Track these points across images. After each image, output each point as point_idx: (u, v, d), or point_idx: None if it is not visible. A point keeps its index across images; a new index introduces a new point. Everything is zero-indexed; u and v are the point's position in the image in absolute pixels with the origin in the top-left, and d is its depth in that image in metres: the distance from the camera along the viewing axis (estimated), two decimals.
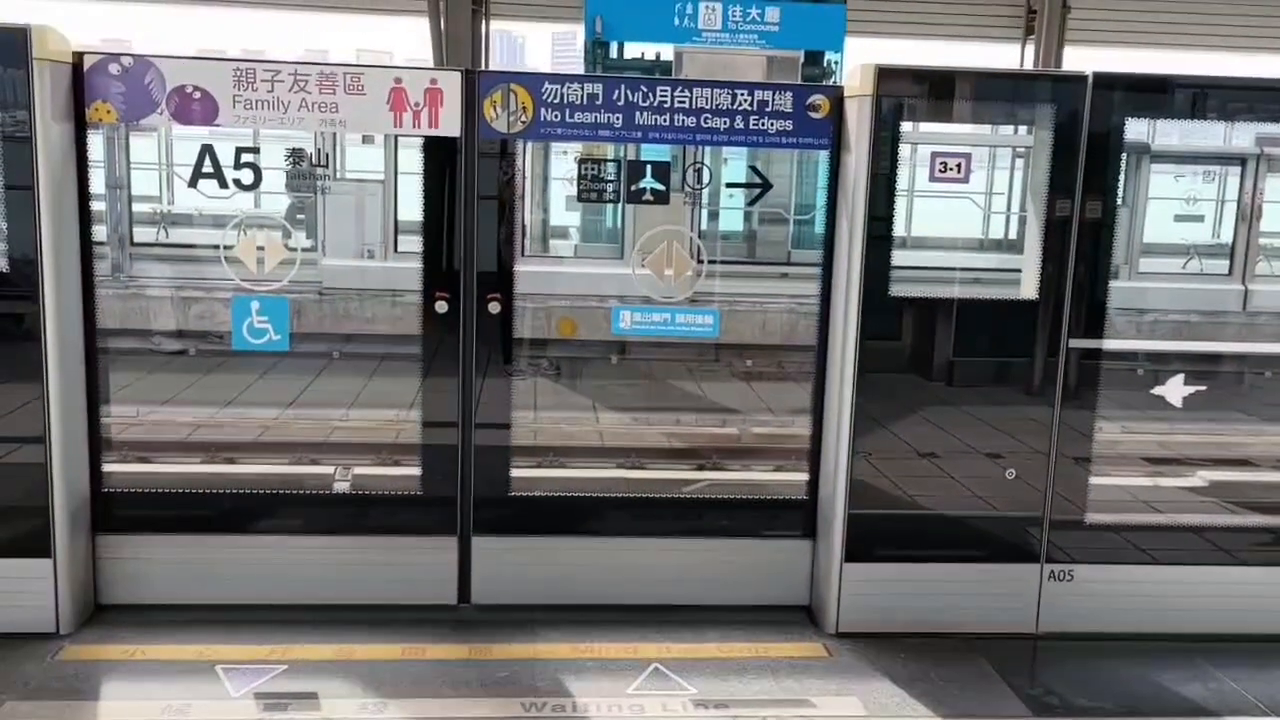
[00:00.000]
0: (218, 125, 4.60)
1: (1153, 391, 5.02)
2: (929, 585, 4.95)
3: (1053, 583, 5.01)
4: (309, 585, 4.95)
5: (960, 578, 4.97)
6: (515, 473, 5.12)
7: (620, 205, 10.65)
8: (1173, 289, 13.12)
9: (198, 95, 4.56)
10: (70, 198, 4.57)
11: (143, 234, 13.58)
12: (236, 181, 4.74)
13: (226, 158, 4.72)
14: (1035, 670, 4.79)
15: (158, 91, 4.54)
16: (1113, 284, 4.90)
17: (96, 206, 4.75)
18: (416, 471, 5.10)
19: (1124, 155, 4.81)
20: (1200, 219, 14.84)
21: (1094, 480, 5.03)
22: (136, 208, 13.47)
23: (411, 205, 4.98)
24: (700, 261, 5.30)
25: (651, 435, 8.31)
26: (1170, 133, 13.66)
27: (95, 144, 4.65)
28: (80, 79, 4.52)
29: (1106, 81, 4.70)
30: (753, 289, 12.14)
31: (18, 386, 4.51)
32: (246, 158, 4.74)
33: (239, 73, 4.56)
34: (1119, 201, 4.88)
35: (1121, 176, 4.87)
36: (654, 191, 4.94)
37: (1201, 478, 6.25)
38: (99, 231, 4.84)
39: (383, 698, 4.24)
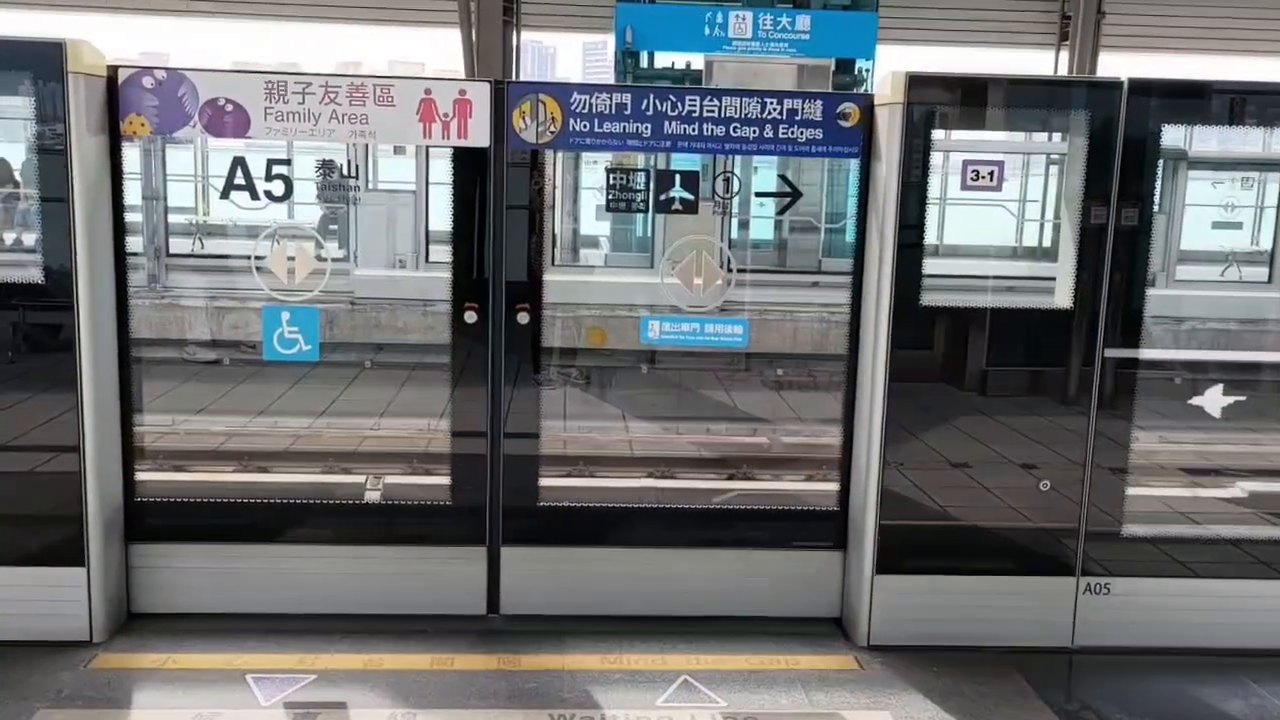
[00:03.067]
0: (250, 137, 4.63)
1: (1191, 401, 4.94)
2: (962, 598, 4.89)
3: (1089, 596, 4.93)
4: (338, 595, 4.97)
5: (994, 590, 4.91)
6: (544, 482, 5.12)
7: (649, 215, 10.63)
8: (1211, 297, 12.94)
9: (230, 108, 4.60)
10: (104, 209, 4.62)
11: (178, 245, 13.73)
12: (268, 193, 4.77)
13: (259, 170, 4.75)
14: (1071, 685, 4.71)
15: (190, 104, 4.58)
16: (1149, 292, 4.83)
17: (133, 218, 4.80)
18: (446, 481, 5.11)
19: (1160, 162, 4.74)
20: (1239, 225, 14.66)
21: (1131, 491, 4.95)
22: (172, 219, 13.62)
23: (443, 215, 4.99)
24: (730, 271, 5.27)
25: (681, 445, 8.28)
26: (1207, 138, 13.49)
27: (132, 156, 4.70)
28: (114, 92, 4.57)
29: (1142, 87, 4.64)
30: (783, 298, 12.08)
31: (53, 396, 4.55)
32: (278, 169, 4.77)
33: (270, 85, 4.60)
34: (1155, 208, 4.81)
35: (1158, 183, 4.81)
36: (683, 201, 4.92)
37: (1241, 489, 6.14)
38: (135, 243, 4.89)
39: (411, 708, 4.24)
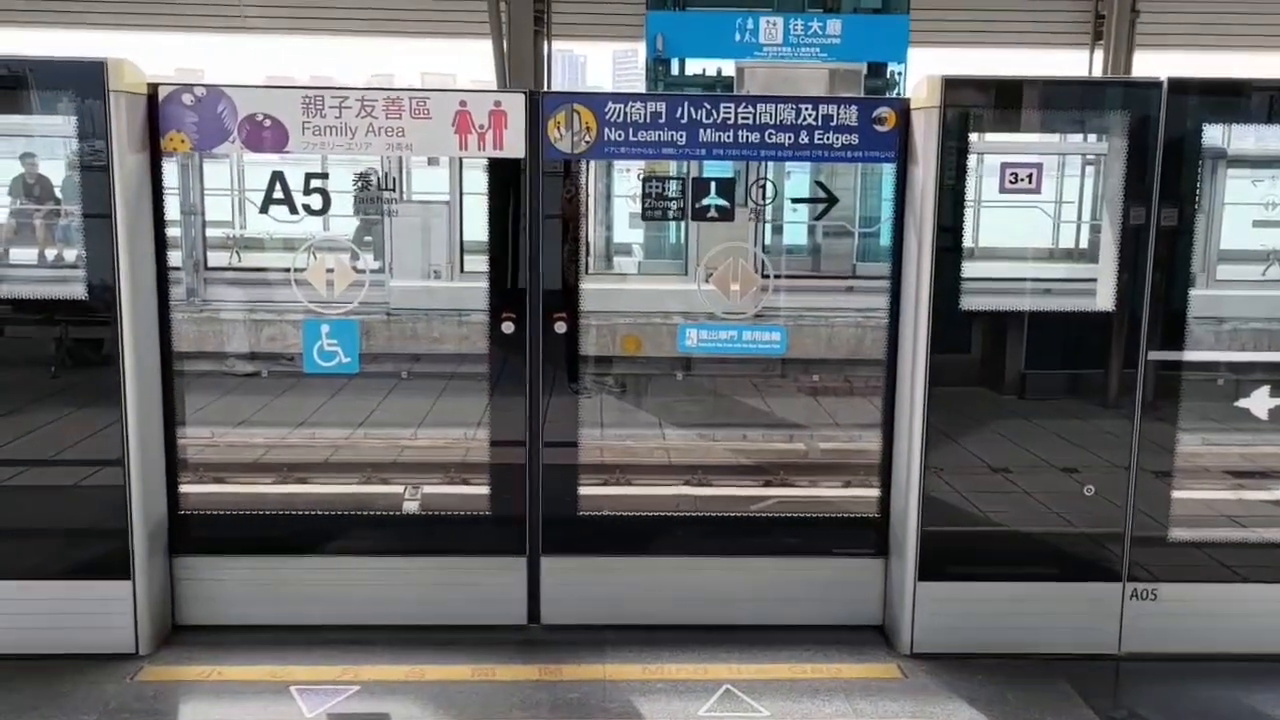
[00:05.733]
0: (288, 152, 4.67)
1: (1237, 404, 4.87)
2: (1006, 604, 4.84)
3: (1135, 601, 4.87)
4: (380, 606, 4.99)
5: (1038, 597, 4.85)
6: (583, 491, 5.12)
7: (685, 222, 10.62)
8: (1252, 296, 12.75)
9: (268, 123, 4.64)
10: (146, 225, 4.67)
11: (216, 258, 13.87)
12: (306, 207, 4.80)
13: (296, 183, 4.79)
14: (1118, 692, 4.65)
15: (229, 120, 4.62)
16: (1190, 292, 4.76)
17: (171, 233, 4.85)
18: (485, 491, 5.12)
19: (1200, 161, 4.68)
20: None
21: (1177, 495, 4.88)
22: (210, 233, 13.76)
23: (477, 226, 5.01)
24: (765, 276, 5.25)
25: (718, 452, 8.26)
26: (1246, 136, 13.30)
27: (170, 171, 4.75)
28: (155, 109, 4.62)
29: (1181, 86, 4.59)
30: (818, 303, 12.04)
31: (97, 410, 4.61)
32: (316, 183, 4.80)
33: (308, 100, 4.63)
34: (1196, 208, 4.76)
35: (1198, 182, 4.75)
36: (718, 208, 4.91)
37: None
38: (174, 257, 4.94)
39: (454, 719, 4.25)
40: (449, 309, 11.47)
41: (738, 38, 14.36)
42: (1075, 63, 17.41)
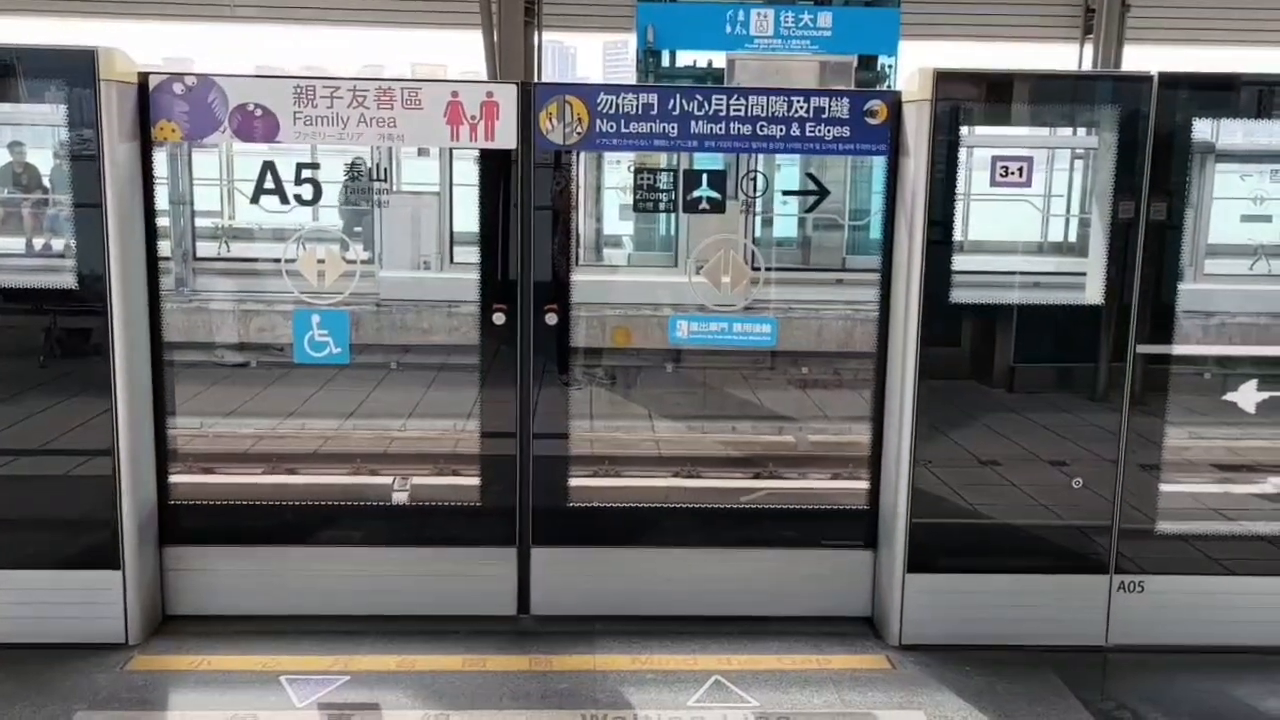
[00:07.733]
0: (279, 142, 4.66)
1: (1225, 397, 4.90)
2: (994, 596, 4.87)
3: (1122, 594, 4.90)
4: (371, 596, 4.99)
5: (1026, 589, 4.88)
6: (573, 483, 5.12)
7: (676, 214, 10.63)
8: (1240, 290, 12.81)
9: (259, 113, 4.62)
10: (136, 214, 4.66)
11: (205, 248, 13.82)
12: (297, 197, 4.79)
13: (287, 173, 4.78)
14: (1106, 684, 4.68)
15: (220, 110, 4.61)
16: (1179, 286, 4.79)
17: (161, 222, 4.84)
18: (475, 482, 5.12)
19: (1190, 155, 4.70)
20: (1268, 219, 14.48)
21: (1164, 488, 4.91)
22: (199, 223, 13.70)
23: (466, 217, 5.01)
24: (756, 269, 5.27)
25: (708, 444, 8.27)
26: (1234, 131, 13.32)
27: (159, 161, 4.74)
28: (145, 98, 4.60)
29: (1172, 81, 4.61)
30: (808, 296, 12.05)
31: (87, 400, 4.60)
32: (307, 173, 4.79)
33: (299, 90, 4.62)
34: (1185, 202, 4.78)
35: (1188, 177, 4.77)
36: (710, 200, 4.91)
37: (1275, 484, 6.08)
38: (164, 247, 4.92)
39: (444, 709, 4.26)
40: (439, 300, 11.44)
41: (728, 30, 14.36)
42: (1065, 57, 17.44)
